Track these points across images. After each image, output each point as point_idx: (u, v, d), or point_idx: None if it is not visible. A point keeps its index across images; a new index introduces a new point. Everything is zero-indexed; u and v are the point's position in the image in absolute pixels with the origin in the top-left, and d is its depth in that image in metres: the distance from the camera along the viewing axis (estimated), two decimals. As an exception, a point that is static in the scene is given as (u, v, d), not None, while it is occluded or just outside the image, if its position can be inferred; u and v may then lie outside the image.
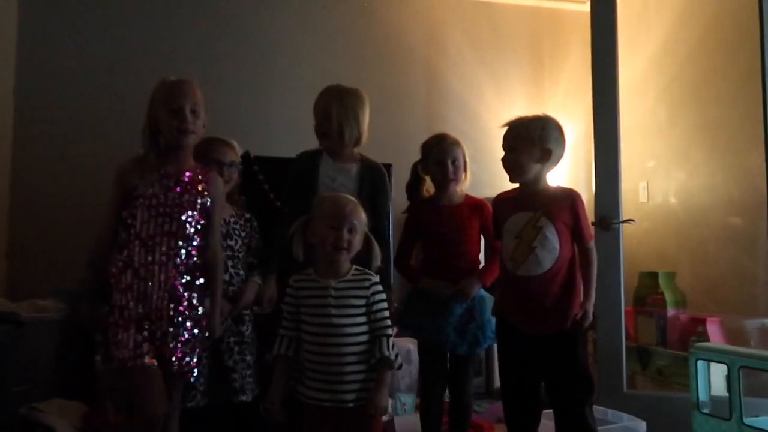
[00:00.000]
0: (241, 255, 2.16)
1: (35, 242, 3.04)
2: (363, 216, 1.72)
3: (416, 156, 2.28)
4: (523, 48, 3.85)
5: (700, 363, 2.21)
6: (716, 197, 3.02)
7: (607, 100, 2.74)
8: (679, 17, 3.27)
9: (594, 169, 2.75)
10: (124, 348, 1.65)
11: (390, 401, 2.62)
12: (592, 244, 1.87)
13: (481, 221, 2.16)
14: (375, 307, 1.67)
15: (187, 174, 1.80)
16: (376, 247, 1.76)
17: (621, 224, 2.68)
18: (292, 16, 3.51)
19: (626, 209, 2.76)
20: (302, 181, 2.12)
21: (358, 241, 1.69)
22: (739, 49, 2.86)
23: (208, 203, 1.82)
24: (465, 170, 2.20)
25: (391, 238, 2.34)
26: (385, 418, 1.81)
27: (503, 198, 1.99)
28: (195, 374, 1.84)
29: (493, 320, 2.03)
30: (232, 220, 2.16)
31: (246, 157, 2.48)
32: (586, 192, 3.56)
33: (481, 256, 2.26)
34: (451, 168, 2.15)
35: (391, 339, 1.67)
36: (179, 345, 1.73)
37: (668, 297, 2.89)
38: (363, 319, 1.65)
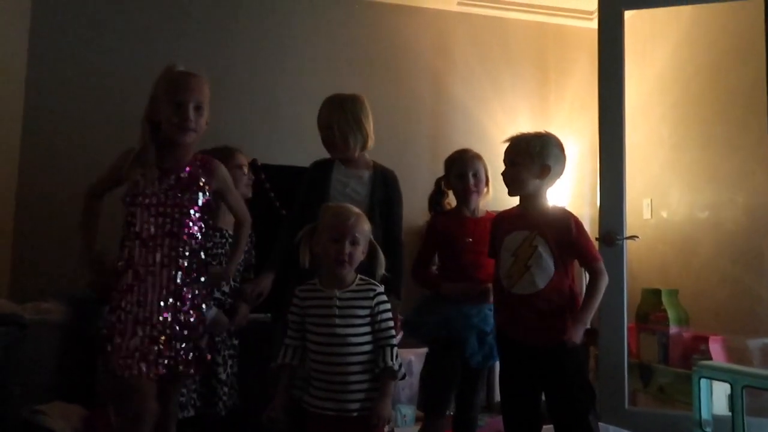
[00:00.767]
0: (241, 269, 2.18)
1: (39, 245, 3.06)
2: (366, 227, 1.72)
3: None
4: (529, 63, 3.88)
5: (703, 381, 2.20)
6: (720, 215, 3.03)
7: (613, 116, 2.76)
8: (685, 35, 3.30)
9: (599, 185, 2.76)
10: (119, 352, 1.63)
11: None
12: (600, 265, 1.84)
13: None
14: (379, 317, 1.67)
15: (187, 169, 1.76)
16: (381, 255, 1.76)
17: (625, 240, 2.69)
18: (300, 26, 3.55)
19: (630, 226, 2.77)
20: (315, 189, 2.12)
21: (360, 253, 1.70)
22: (745, 67, 2.88)
23: (210, 197, 1.78)
24: (486, 184, 2.23)
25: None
26: (387, 428, 1.80)
27: (503, 216, 2.02)
28: (194, 375, 1.83)
29: None
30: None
31: (254, 165, 2.50)
32: (591, 208, 3.58)
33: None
34: (472, 180, 2.17)
35: (395, 349, 1.67)
36: (182, 345, 1.71)
37: (671, 314, 2.89)
38: (367, 329, 1.66)
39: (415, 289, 2.25)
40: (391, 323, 1.70)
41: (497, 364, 2.04)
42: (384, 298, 1.70)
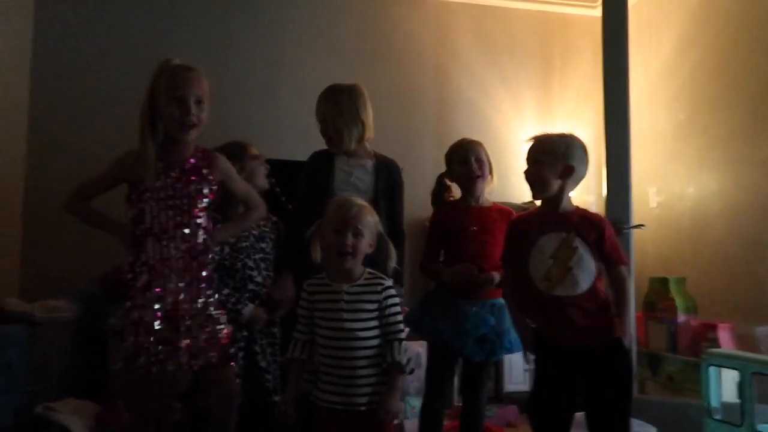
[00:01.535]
0: (271, 257, 2.21)
1: (48, 243, 3.07)
2: (371, 219, 1.70)
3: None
4: (533, 52, 3.86)
5: (712, 369, 2.20)
6: (727, 202, 3.01)
7: (618, 105, 2.74)
8: (692, 20, 3.27)
9: (605, 175, 2.75)
10: (141, 350, 1.64)
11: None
12: (625, 270, 1.85)
13: None
14: (387, 312, 1.67)
15: (191, 161, 1.76)
16: (392, 248, 1.76)
17: (632, 229, 2.68)
18: (302, 19, 3.53)
19: (636, 214, 2.76)
20: (317, 180, 2.11)
21: (365, 246, 1.68)
22: (752, 53, 2.86)
23: (215, 188, 1.79)
24: (490, 171, 2.19)
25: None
26: (396, 421, 1.80)
27: (526, 219, 1.93)
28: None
29: (512, 330, 2.00)
30: (262, 222, 2.19)
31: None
32: (597, 197, 3.57)
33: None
34: (475, 165, 2.14)
35: (403, 343, 1.67)
36: (202, 338, 1.71)
37: (679, 303, 2.88)
38: (375, 323, 1.66)
39: (420, 282, 2.25)
40: (400, 317, 1.69)
41: (506, 357, 2.03)
42: (392, 292, 1.70)
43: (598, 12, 2.87)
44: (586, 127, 3.65)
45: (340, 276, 1.69)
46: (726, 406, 2.18)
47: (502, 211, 2.20)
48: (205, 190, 1.76)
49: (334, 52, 3.54)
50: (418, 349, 2.83)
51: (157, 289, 1.68)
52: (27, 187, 3.11)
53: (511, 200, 3.11)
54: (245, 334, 2.11)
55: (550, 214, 1.87)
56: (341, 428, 1.64)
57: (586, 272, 1.79)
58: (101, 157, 3.01)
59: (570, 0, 3.81)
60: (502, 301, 2.07)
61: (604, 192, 2.75)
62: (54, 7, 3.19)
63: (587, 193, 3.73)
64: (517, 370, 3.25)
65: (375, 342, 1.65)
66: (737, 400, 2.08)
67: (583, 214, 1.87)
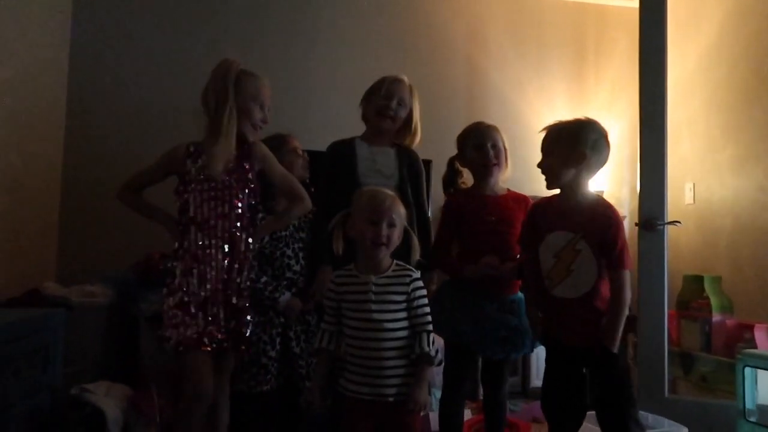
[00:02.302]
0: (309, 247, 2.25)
1: (84, 230, 3.16)
2: (402, 210, 1.71)
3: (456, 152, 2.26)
4: (566, 44, 3.79)
5: (747, 370, 2.15)
6: (766, 201, 2.92)
7: (655, 99, 2.67)
8: (731, 14, 3.16)
9: (639, 169, 2.68)
10: (182, 329, 1.73)
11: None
12: (627, 275, 1.71)
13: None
14: (415, 303, 1.67)
15: (234, 154, 1.86)
16: (416, 240, 1.76)
17: (666, 226, 2.62)
18: (332, 12, 3.53)
19: (671, 210, 2.69)
20: (341, 167, 2.12)
21: (397, 236, 1.69)
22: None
23: (254, 178, 1.88)
24: (506, 157, 2.09)
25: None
26: (423, 413, 1.80)
27: (544, 208, 1.87)
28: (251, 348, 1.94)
29: None
30: None
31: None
32: (631, 191, 3.49)
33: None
34: (491, 152, 2.04)
35: (432, 335, 1.67)
36: (235, 323, 1.81)
37: (714, 302, 2.81)
38: (403, 314, 1.66)
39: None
40: (428, 309, 1.69)
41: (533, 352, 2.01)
42: (420, 284, 1.70)
43: (634, 3, 2.80)
44: (620, 119, 3.57)
45: (369, 267, 1.69)
46: (761, 409, 2.13)
47: (518, 198, 2.11)
48: (245, 180, 1.86)
49: (364, 43, 3.54)
50: (443, 341, 2.82)
51: (199, 276, 1.78)
52: (65, 177, 3.19)
53: (539, 194, 3.06)
54: (282, 320, 2.16)
55: (563, 207, 1.81)
56: (368, 418, 1.64)
57: (587, 276, 1.73)
58: (136, 145, 3.14)
59: (606, -10, 3.72)
60: (521, 296, 2.02)
61: (638, 187, 2.69)
62: (91, 9, 3.25)
63: (621, 188, 3.66)
64: (543, 366, 3.21)
65: (403, 333, 1.65)
66: (774, 403, 2.03)
67: (594, 210, 1.76)
